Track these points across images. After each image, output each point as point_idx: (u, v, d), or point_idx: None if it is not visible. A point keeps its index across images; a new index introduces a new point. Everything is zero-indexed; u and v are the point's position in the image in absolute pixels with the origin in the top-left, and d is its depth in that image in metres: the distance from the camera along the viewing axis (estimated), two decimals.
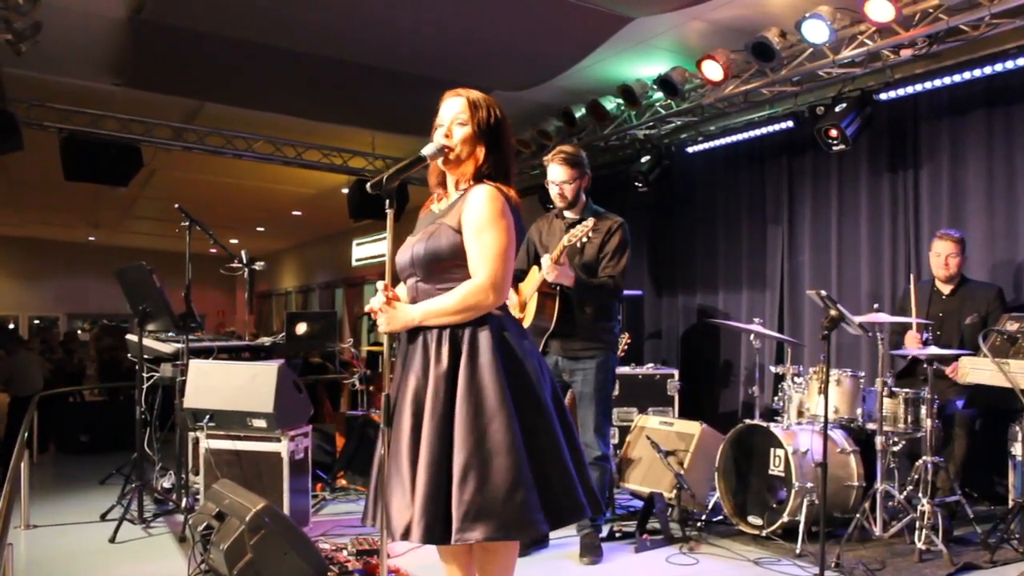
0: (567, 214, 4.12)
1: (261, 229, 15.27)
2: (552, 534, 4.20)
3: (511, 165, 2.46)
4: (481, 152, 2.40)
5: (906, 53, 4.94)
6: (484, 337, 2.30)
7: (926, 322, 4.46)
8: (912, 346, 4.47)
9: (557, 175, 4.01)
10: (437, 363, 2.29)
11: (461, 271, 2.34)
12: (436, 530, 2.20)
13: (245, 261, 5.62)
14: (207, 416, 4.33)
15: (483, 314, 2.31)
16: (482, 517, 2.16)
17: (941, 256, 4.65)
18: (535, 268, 4.03)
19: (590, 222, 3.79)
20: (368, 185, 2.27)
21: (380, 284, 2.32)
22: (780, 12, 5.09)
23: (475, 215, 2.31)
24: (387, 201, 2.29)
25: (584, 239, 3.79)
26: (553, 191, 4.04)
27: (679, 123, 6.71)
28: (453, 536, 2.18)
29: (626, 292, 6.83)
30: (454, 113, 2.42)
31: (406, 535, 2.24)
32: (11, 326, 16.14)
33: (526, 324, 3.94)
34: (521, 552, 4.01)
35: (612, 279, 3.97)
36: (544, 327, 3.97)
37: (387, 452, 2.28)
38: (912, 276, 4.87)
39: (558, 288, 3.95)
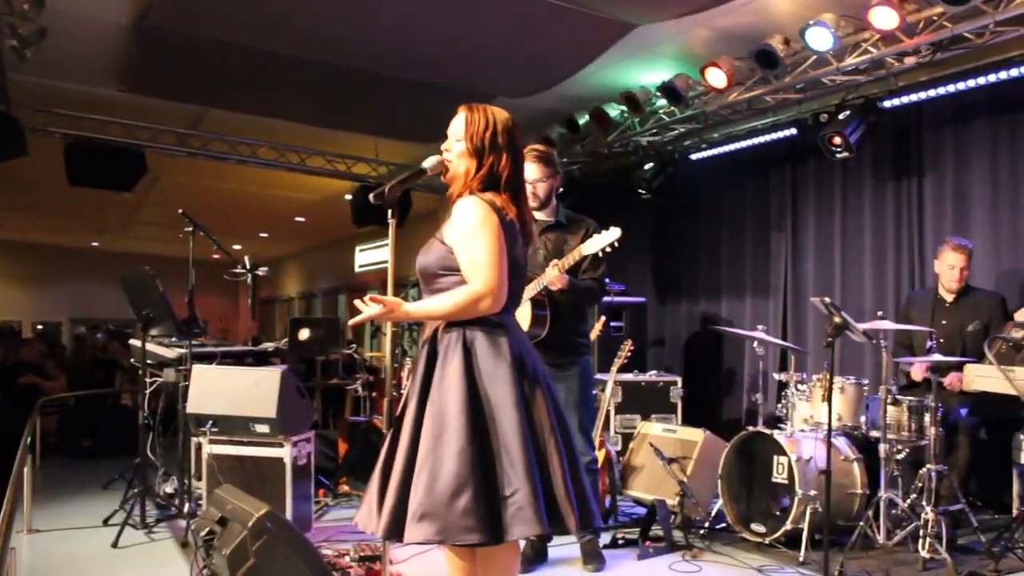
0: (539, 216, 3.98)
1: (264, 235, 15.29)
2: (556, 541, 4.17)
3: (513, 173, 2.47)
4: (472, 166, 2.44)
5: (910, 61, 4.94)
6: (458, 344, 2.35)
7: (930, 330, 4.45)
8: (917, 376, 4.61)
9: (530, 173, 3.87)
10: (427, 368, 2.39)
11: (450, 282, 2.39)
12: (396, 528, 2.26)
13: (248, 267, 5.61)
14: (210, 421, 4.33)
15: (476, 317, 2.36)
16: (426, 519, 2.20)
17: (955, 268, 4.59)
18: None
19: (579, 249, 3.77)
20: (371, 196, 2.29)
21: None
22: (784, 19, 5.10)
23: (459, 227, 2.36)
24: (389, 211, 2.31)
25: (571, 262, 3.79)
26: (527, 190, 4.01)
27: (683, 130, 6.71)
28: (405, 535, 2.24)
29: (630, 299, 6.91)
30: (456, 129, 2.49)
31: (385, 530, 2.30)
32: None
33: None
34: (524, 568, 3.99)
35: (596, 282, 3.96)
36: (536, 335, 3.95)
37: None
38: (908, 295, 5.15)
39: (548, 299, 3.93)
